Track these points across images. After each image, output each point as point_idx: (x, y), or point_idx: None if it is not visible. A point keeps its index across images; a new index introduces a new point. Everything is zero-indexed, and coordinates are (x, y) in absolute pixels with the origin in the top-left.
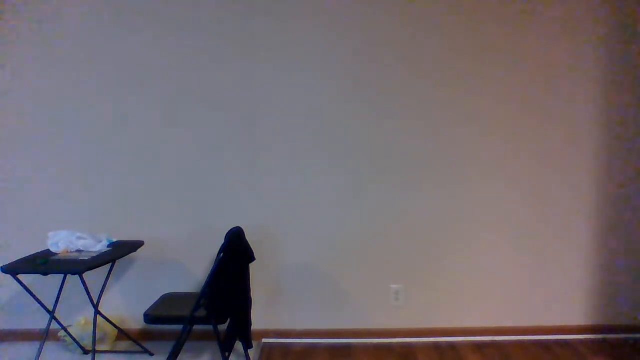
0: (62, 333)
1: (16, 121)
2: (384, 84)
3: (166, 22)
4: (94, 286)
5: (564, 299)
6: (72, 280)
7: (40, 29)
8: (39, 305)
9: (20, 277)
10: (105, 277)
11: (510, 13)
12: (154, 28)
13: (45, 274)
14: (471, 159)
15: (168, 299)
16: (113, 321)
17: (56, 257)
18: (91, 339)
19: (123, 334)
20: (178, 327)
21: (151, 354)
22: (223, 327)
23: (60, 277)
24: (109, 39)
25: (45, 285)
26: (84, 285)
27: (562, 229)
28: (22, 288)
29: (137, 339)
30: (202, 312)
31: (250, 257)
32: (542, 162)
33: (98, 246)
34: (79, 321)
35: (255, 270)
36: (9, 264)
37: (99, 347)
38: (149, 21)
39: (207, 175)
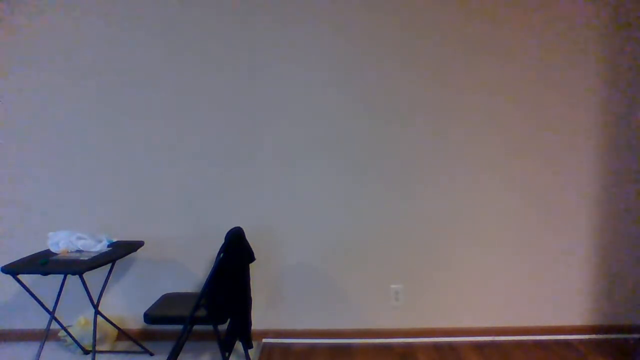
0: (62, 333)
1: (16, 121)
2: (384, 86)
3: (167, 25)
4: (94, 286)
5: (564, 299)
6: (72, 280)
7: (41, 31)
8: (39, 305)
9: (20, 277)
10: (105, 277)
11: (509, 12)
12: (155, 30)
13: (45, 274)
14: (471, 158)
15: (168, 299)
16: (113, 321)
17: (56, 257)
18: (91, 339)
19: (123, 334)
20: (178, 327)
21: (151, 354)
22: (223, 327)
23: (60, 277)
24: (110, 40)
25: (45, 285)
26: (84, 285)
27: (562, 229)
28: (22, 288)
29: (137, 339)
30: (202, 312)
31: (251, 257)
32: (542, 162)
33: (98, 246)
34: (79, 321)
35: (255, 270)
36: (9, 264)
37: (99, 347)
38: (150, 24)
39: (207, 176)
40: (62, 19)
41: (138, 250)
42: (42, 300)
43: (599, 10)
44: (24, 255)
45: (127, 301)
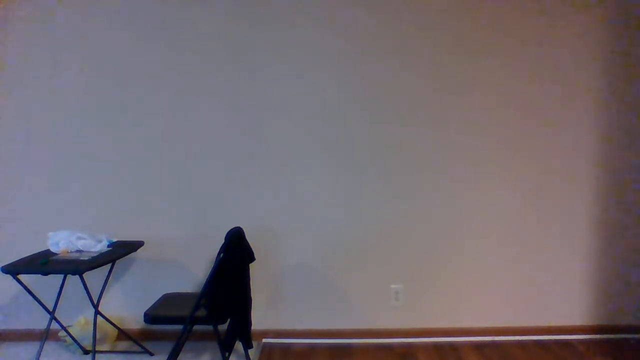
0: (62, 333)
1: (16, 121)
2: (384, 86)
3: (167, 25)
4: (94, 286)
5: (564, 299)
6: (72, 280)
7: (40, 30)
8: (39, 305)
9: (20, 277)
10: (105, 277)
11: (509, 11)
12: (155, 30)
13: (45, 274)
14: (471, 159)
15: (168, 299)
16: (113, 321)
17: (56, 257)
18: (91, 339)
19: (123, 334)
20: (178, 327)
21: (151, 354)
22: (223, 327)
23: (60, 277)
24: (110, 40)
25: (45, 285)
26: (84, 285)
27: (562, 229)
28: (22, 288)
29: (137, 339)
30: (202, 312)
31: (251, 257)
32: (542, 162)
33: (98, 246)
34: (79, 321)
35: (255, 270)
36: (9, 264)
37: (99, 347)
38: (150, 24)
39: (207, 176)
40: (62, 19)
41: (138, 250)
42: (42, 300)
43: (598, 10)
44: (24, 255)
45: (127, 301)
